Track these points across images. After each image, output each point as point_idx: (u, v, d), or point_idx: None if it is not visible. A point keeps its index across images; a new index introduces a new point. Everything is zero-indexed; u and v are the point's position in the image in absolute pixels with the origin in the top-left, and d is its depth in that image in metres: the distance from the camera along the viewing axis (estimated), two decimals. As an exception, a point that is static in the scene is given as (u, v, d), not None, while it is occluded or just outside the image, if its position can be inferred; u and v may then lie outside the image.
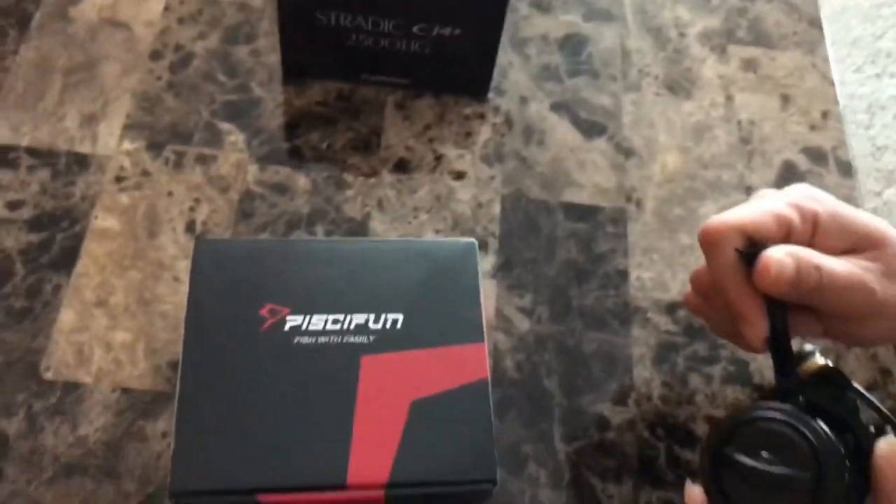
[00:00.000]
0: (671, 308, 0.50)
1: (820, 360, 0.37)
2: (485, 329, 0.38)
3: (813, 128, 0.58)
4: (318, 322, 0.37)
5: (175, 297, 0.47)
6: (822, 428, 0.34)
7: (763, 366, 0.49)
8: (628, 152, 0.56)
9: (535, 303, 0.50)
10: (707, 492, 0.35)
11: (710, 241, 0.38)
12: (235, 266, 0.38)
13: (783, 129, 0.58)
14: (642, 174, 0.55)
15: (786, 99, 0.60)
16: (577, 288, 0.51)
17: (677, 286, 0.51)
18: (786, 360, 0.37)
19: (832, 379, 0.36)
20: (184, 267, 0.48)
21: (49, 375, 0.44)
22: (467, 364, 0.37)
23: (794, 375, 0.37)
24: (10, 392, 0.43)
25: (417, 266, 0.39)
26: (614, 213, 0.54)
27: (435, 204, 0.52)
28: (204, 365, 0.36)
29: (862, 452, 0.34)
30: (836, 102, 0.60)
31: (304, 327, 0.37)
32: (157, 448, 0.43)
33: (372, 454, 0.34)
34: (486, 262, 0.51)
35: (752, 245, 0.37)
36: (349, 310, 0.37)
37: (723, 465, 0.34)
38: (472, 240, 0.40)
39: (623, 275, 0.51)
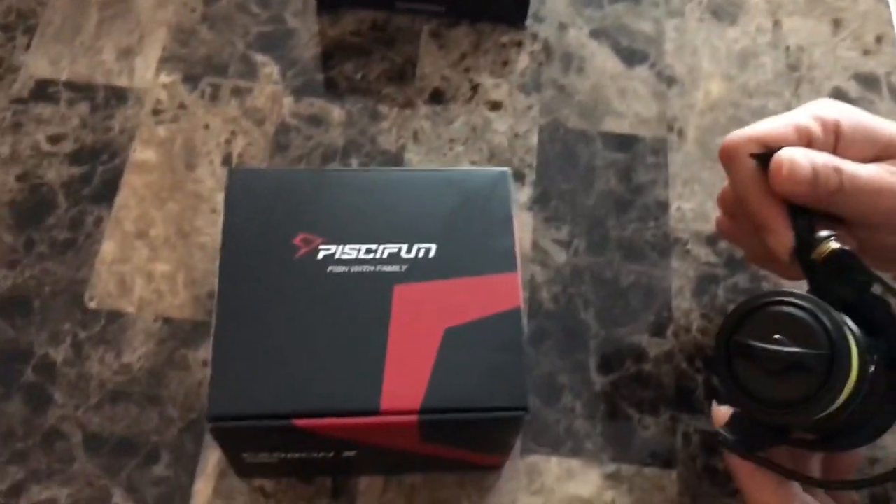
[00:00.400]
0: (712, 239, 0.49)
1: (834, 244, 0.35)
2: (518, 258, 0.38)
3: (866, 53, 0.56)
4: (350, 251, 0.37)
5: (213, 229, 0.48)
6: (832, 310, 0.33)
7: (805, 297, 0.48)
8: (670, 80, 0.55)
9: (573, 235, 0.49)
10: (723, 384, 0.34)
11: (728, 155, 0.38)
12: (269, 195, 0.39)
13: (833, 55, 0.56)
14: (684, 103, 0.54)
15: (837, 23, 0.57)
16: (615, 219, 0.50)
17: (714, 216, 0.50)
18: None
19: (845, 263, 0.35)
20: (221, 199, 0.48)
21: (93, 305, 0.45)
22: (500, 293, 0.37)
23: (829, 290, 0.35)
24: (56, 321, 0.45)
25: (450, 195, 0.39)
26: (655, 143, 0.53)
27: (471, 135, 0.52)
28: (239, 293, 0.36)
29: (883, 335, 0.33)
30: (892, 25, 0.57)
31: (337, 256, 0.37)
32: (199, 376, 0.44)
33: (405, 381, 0.35)
34: (522, 194, 0.50)
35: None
36: (382, 239, 0.38)
37: (735, 353, 0.34)
38: (505, 168, 0.40)
39: (663, 206, 0.50)
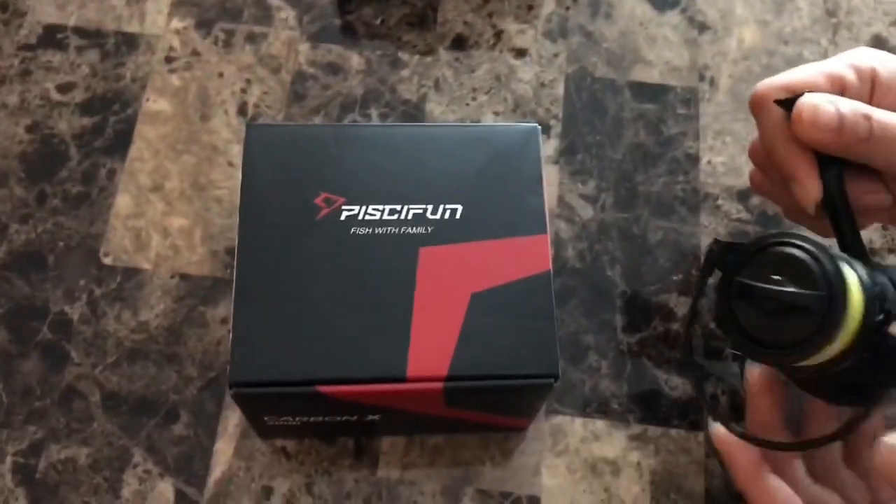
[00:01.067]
0: (743, 195, 0.48)
1: None
2: (547, 219, 0.37)
3: (908, -3, 0.54)
4: (374, 212, 0.36)
5: (229, 181, 0.46)
6: (833, 252, 0.32)
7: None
8: (702, 26, 0.53)
9: (599, 189, 0.48)
10: (722, 326, 0.34)
11: (757, 104, 0.36)
12: (289, 152, 0.37)
13: (874, 0, 0.54)
14: (717, 50, 0.52)
15: (879, -35, 0.55)
16: (643, 173, 0.48)
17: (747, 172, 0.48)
18: (845, 228, 0.35)
19: None
20: (237, 151, 0.47)
21: (108, 261, 0.44)
22: (529, 256, 0.36)
23: (857, 246, 0.34)
24: (71, 277, 0.44)
25: (477, 153, 0.37)
26: (685, 93, 0.51)
27: (494, 84, 0.50)
28: (260, 255, 0.35)
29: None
30: (936, -32, 0.55)
31: (360, 217, 0.36)
32: (217, 334, 0.43)
33: (431, 347, 0.34)
34: (548, 147, 0.49)
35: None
36: (406, 200, 0.36)
37: (736, 294, 0.33)
38: (535, 124, 0.38)
39: (693, 159, 0.49)
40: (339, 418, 0.37)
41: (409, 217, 0.36)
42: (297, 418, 0.37)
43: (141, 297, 0.44)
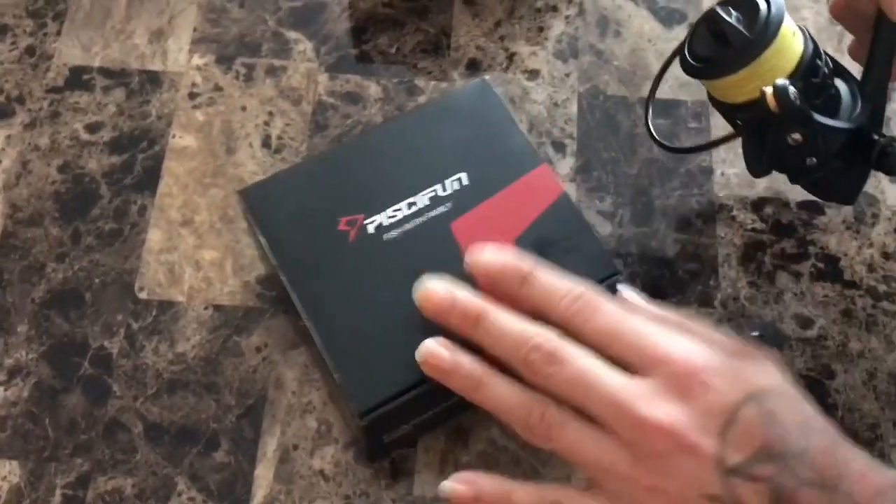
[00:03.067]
0: (758, 205, 0.49)
1: None
2: (535, 150, 0.41)
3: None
4: (394, 213, 0.39)
5: (257, 213, 0.48)
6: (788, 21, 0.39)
7: (854, 262, 0.48)
8: (710, 40, 0.54)
9: (616, 205, 0.49)
10: (684, 40, 0.42)
11: None
12: (291, 198, 0.40)
13: (878, 7, 0.55)
14: (725, 63, 0.53)
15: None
16: (659, 187, 0.50)
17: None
18: (877, 62, 0.41)
19: None
20: (263, 183, 0.49)
21: (143, 295, 0.46)
22: (540, 188, 0.39)
23: (876, 81, 0.41)
24: (109, 313, 0.46)
25: (448, 122, 0.41)
26: (696, 107, 0.52)
27: (509, 106, 0.51)
28: (318, 297, 0.38)
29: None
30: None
31: (385, 223, 0.39)
32: (253, 362, 0.45)
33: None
34: (564, 165, 0.50)
35: None
36: (416, 189, 0.39)
37: (701, 19, 0.40)
38: (482, 77, 0.43)
39: (707, 172, 0.50)
40: (444, 404, 0.39)
41: (427, 202, 0.39)
42: (412, 422, 0.39)
43: (177, 330, 0.45)
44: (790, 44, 0.39)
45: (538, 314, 0.35)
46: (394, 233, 0.38)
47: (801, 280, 0.47)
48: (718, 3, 0.40)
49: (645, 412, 0.32)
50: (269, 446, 0.43)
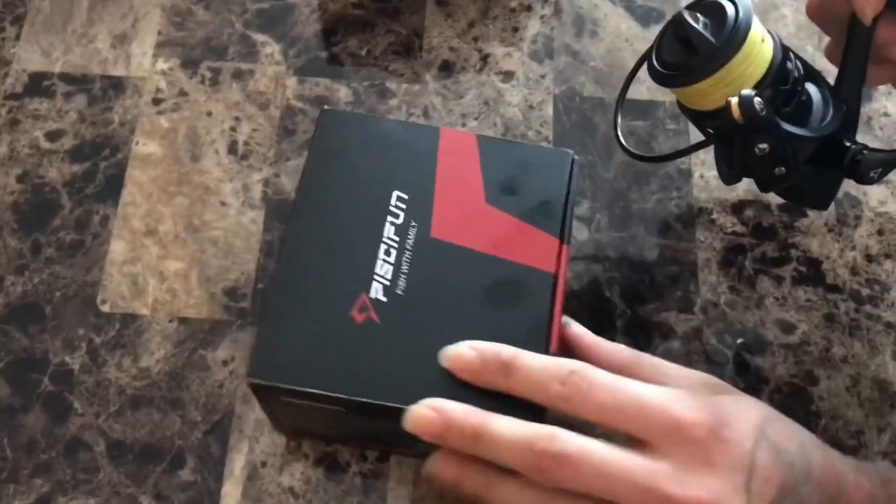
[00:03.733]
0: (738, 207, 0.49)
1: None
2: (422, 125, 0.40)
3: (892, 0, 0.55)
4: (382, 273, 0.38)
5: (224, 221, 0.47)
6: (760, 29, 0.38)
7: (837, 265, 0.47)
8: (688, 39, 0.54)
9: (593, 210, 0.49)
10: (652, 45, 0.40)
11: None
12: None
13: (859, 4, 0.55)
14: (704, 63, 0.53)
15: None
16: (637, 191, 0.49)
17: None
18: (851, 66, 0.40)
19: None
20: (229, 190, 0.48)
21: (106, 308, 0.45)
22: (458, 148, 0.40)
23: (851, 84, 0.40)
24: (70, 327, 0.45)
25: (330, 162, 0.40)
26: (674, 108, 0.52)
27: (483, 109, 0.51)
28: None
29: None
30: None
31: (387, 285, 0.38)
32: (219, 376, 0.44)
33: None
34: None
35: None
36: (377, 238, 0.39)
37: (673, 20, 0.39)
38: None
39: (685, 174, 0.50)
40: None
41: (396, 237, 0.39)
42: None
43: (141, 344, 0.44)
44: (759, 50, 0.38)
45: (531, 399, 0.35)
46: (401, 283, 0.37)
47: (783, 284, 0.47)
48: (686, 8, 0.39)
49: (678, 493, 0.32)
50: (237, 463, 0.42)
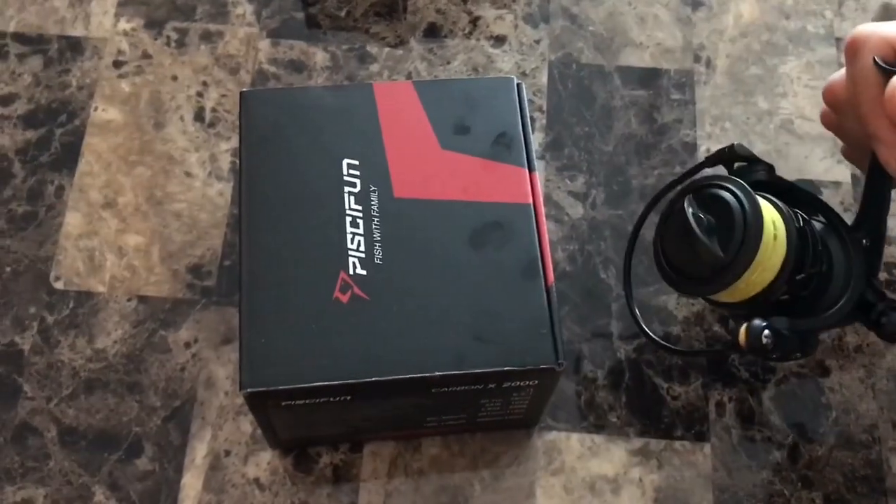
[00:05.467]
0: (745, 184, 0.49)
1: None
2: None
3: (918, -38, 0.55)
4: (357, 250, 0.38)
5: (189, 193, 0.48)
6: (763, 219, 0.37)
7: (851, 246, 0.48)
8: (696, 3, 0.54)
9: (590, 185, 0.49)
10: (656, 232, 0.41)
11: (853, 49, 0.38)
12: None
13: (881, -34, 0.55)
14: (712, 28, 0.53)
15: (886, -72, 0.56)
16: (637, 166, 0.50)
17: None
18: (874, 203, 0.40)
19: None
20: (195, 160, 0.48)
21: (60, 285, 0.46)
22: (394, 95, 0.41)
23: (872, 222, 0.40)
24: (20, 304, 0.45)
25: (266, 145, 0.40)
26: (680, 76, 0.52)
27: (472, 76, 0.51)
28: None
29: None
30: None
31: (363, 258, 0.38)
32: (181, 359, 0.44)
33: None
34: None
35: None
36: (341, 214, 0.39)
37: (674, 210, 0.39)
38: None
39: (691, 148, 0.50)
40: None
41: (359, 207, 0.39)
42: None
43: (96, 324, 0.45)
44: (771, 254, 0.37)
45: None
46: (377, 252, 0.38)
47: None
48: (686, 200, 0.38)
49: None
50: (198, 452, 0.43)
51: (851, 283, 0.39)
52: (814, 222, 0.40)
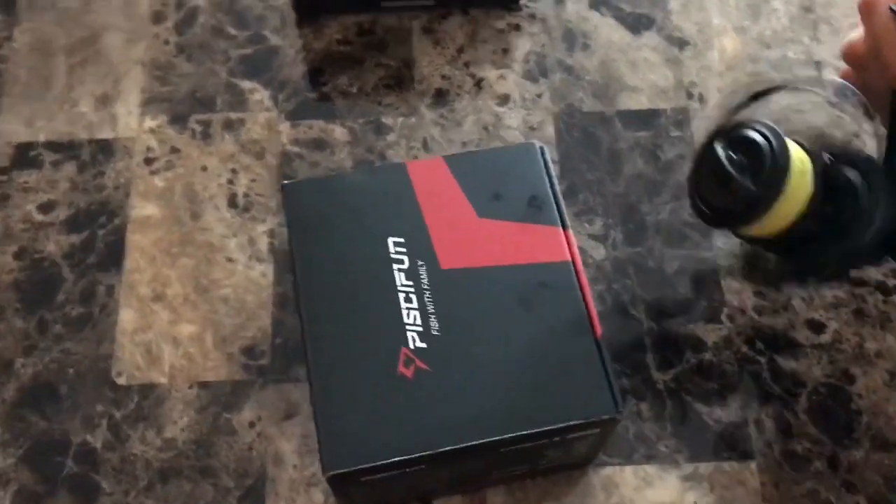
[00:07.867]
0: (753, 210, 0.50)
1: None
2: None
3: (881, -17, 0.57)
4: (414, 323, 0.39)
5: (233, 278, 0.48)
6: (793, 161, 0.38)
7: (859, 258, 0.49)
8: (681, 42, 0.55)
9: (608, 227, 0.50)
10: (689, 177, 0.41)
11: (866, 6, 0.40)
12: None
13: (849, -10, 0.57)
14: (700, 65, 0.55)
15: (847, -46, 0.58)
16: (648, 203, 0.51)
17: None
18: None
19: None
20: (234, 245, 0.49)
21: (122, 381, 0.46)
22: (427, 172, 0.42)
23: None
24: (87, 404, 0.45)
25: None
26: (677, 114, 0.53)
27: (483, 135, 0.52)
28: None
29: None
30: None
31: (421, 332, 0.39)
32: (247, 439, 0.45)
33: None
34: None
35: None
36: (391, 290, 0.40)
37: (706, 155, 0.40)
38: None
39: (696, 181, 0.51)
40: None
41: (409, 282, 0.40)
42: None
43: (162, 414, 0.45)
44: (799, 185, 0.38)
45: None
46: (433, 324, 0.39)
47: (809, 284, 0.49)
48: (717, 140, 0.39)
49: None
50: (276, 527, 0.43)
51: (882, 213, 0.39)
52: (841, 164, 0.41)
